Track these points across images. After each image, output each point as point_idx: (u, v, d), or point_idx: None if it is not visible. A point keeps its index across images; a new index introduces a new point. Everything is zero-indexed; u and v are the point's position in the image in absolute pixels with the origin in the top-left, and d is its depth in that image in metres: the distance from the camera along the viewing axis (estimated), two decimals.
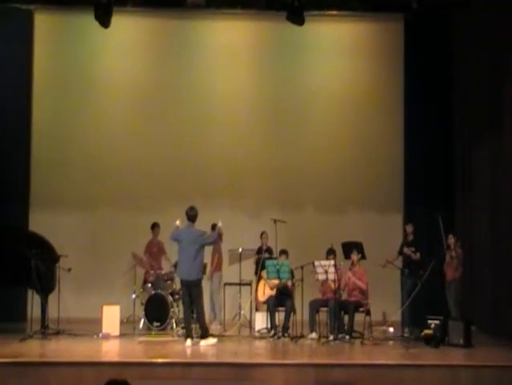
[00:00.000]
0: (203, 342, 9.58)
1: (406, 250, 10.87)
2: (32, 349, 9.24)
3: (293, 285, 10.58)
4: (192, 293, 9.74)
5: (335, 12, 12.74)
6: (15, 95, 12.71)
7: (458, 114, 12.48)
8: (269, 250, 11.51)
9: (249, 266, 11.54)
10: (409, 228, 11.15)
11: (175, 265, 11.53)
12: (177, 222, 9.95)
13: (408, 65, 13.03)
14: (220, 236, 10.58)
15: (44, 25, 13.12)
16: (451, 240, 10.64)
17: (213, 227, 10.96)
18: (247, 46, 13.35)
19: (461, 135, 12.37)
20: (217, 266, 11.84)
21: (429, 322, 9.83)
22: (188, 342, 9.49)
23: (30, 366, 8.04)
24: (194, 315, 9.94)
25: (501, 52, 10.25)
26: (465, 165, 12.16)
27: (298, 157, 13.06)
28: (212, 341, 9.64)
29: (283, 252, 10.76)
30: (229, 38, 13.29)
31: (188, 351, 9.18)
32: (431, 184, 12.49)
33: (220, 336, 10.12)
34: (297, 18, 11.37)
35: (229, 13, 12.95)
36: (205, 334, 9.69)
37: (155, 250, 11.98)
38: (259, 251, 11.60)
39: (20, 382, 7.31)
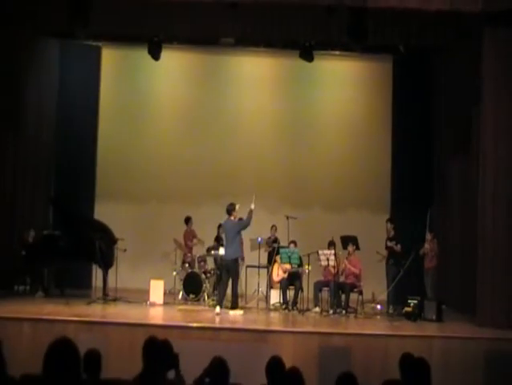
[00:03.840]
0: (232, 312, 9.54)
1: (389, 244, 10.81)
2: (96, 311, 9.37)
3: (302, 271, 10.55)
4: (229, 270, 9.74)
5: (338, 52, 12.67)
6: (86, 113, 12.80)
7: (436, 136, 12.42)
8: (276, 240, 11.50)
9: (265, 253, 11.58)
10: (389, 226, 10.96)
11: (208, 249, 11.65)
12: (252, 206, 9.87)
13: (395, 96, 12.96)
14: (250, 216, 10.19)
15: (109, 58, 13.18)
16: (428, 236, 10.64)
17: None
18: (267, 77, 13.32)
19: (438, 153, 12.31)
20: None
21: (409, 301, 9.80)
22: (218, 309, 9.43)
23: (95, 324, 8.19)
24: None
25: (471, 89, 10.24)
26: (440, 177, 12.11)
27: (307, 166, 13.03)
28: (239, 312, 9.61)
29: (292, 242, 10.77)
30: (253, 71, 13.29)
31: (218, 318, 9.14)
32: (413, 190, 12.38)
33: (242, 307, 10.09)
34: (308, 56, 11.30)
35: (254, 50, 12.93)
36: (235, 305, 9.67)
37: (189, 238, 12.01)
38: (273, 241, 11.57)
39: (87, 336, 7.31)
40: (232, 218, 9.95)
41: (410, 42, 10.19)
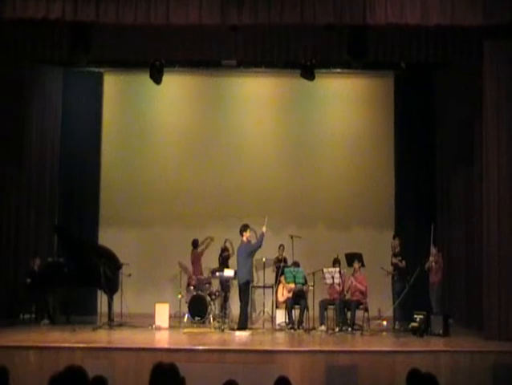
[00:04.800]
0: (238, 333, 9.60)
1: (394, 260, 10.84)
2: (102, 337, 9.37)
3: (307, 289, 10.59)
4: (240, 292, 9.81)
5: (339, 70, 12.74)
6: (88, 138, 12.92)
7: (439, 151, 12.46)
8: (284, 260, 11.52)
9: (271, 273, 11.60)
10: (395, 242, 11.07)
11: (212, 271, 11.68)
12: (263, 229, 9.96)
13: (397, 112, 13.05)
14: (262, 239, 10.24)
15: (111, 84, 13.34)
16: (433, 250, 10.66)
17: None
18: (269, 97, 13.41)
19: (441, 168, 12.33)
20: None
21: (415, 316, 9.81)
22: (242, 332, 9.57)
23: (101, 350, 8.16)
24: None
25: (473, 103, 10.30)
26: (443, 192, 12.12)
27: (311, 185, 13.06)
28: (246, 333, 9.64)
29: (295, 263, 10.84)
30: (255, 92, 13.40)
31: (223, 340, 9.15)
32: (416, 207, 12.46)
33: (249, 328, 10.08)
34: (309, 75, 11.36)
35: (256, 71, 13.02)
36: (243, 326, 9.71)
37: (196, 260, 12.07)
38: (277, 260, 11.61)
39: (93, 362, 7.35)
40: (244, 239, 9.99)
41: (411, 57, 10.27)
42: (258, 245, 9.99)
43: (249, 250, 9.91)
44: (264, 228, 9.93)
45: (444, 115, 12.25)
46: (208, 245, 12.18)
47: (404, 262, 10.67)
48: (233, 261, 11.37)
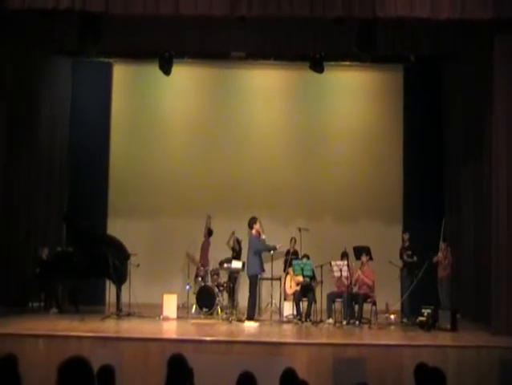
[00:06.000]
0: (247, 323, 9.67)
1: (406, 258, 10.86)
2: (110, 326, 9.40)
3: (314, 284, 10.60)
4: (249, 284, 9.88)
5: (348, 62, 12.68)
6: (98, 130, 13.01)
7: (448, 144, 12.40)
8: (295, 253, 11.53)
9: (279, 265, 11.61)
10: (406, 236, 11.12)
11: (220, 262, 11.69)
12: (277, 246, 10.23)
13: (406, 105, 13.00)
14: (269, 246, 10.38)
15: (120, 74, 13.37)
16: (442, 245, 10.63)
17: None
18: (278, 89, 13.40)
19: (450, 161, 12.27)
20: None
21: (423, 310, 9.76)
22: (251, 323, 9.68)
23: (109, 339, 8.17)
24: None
25: (484, 97, 10.22)
26: (453, 186, 12.08)
27: (319, 178, 13.06)
28: (254, 324, 9.69)
29: (305, 256, 10.84)
30: (264, 83, 13.38)
31: (231, 331, 9.16)
32: (425, 199, 12.43)
33: (256, 320, 10.10)
34: (318, 68, 11.38)
35: (264, 63, 12.99)
36: (250, 317, 9.76)
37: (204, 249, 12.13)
38: (287, 253, 11.62)
39: (101, 351, 7.35)
40: (253, 232, 10.01)
41: (420, 50, 10.20)
42: (260, 249, 10.06)
43: (256, 248, 9.94)
44: (278, 246, 10.26)
45: (453, 108, 12.18)
46: (207, 224, 12.15)
47: (415, 258, 10.71)
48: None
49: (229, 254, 11.96)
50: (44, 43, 10.14)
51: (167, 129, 13.38)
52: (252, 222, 10.03)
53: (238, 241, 11.98)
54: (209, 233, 12.11)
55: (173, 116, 13.44)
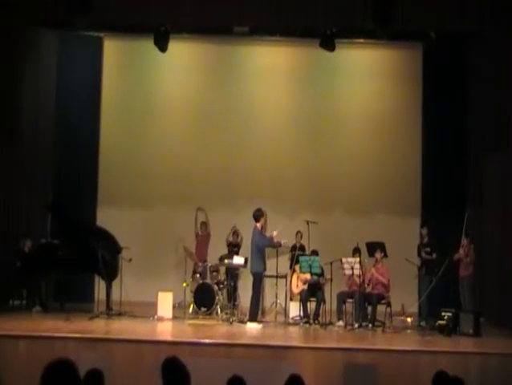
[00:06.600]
0: (249, 325, 9.68)
1: (424, 255, 10.84)
2: (99, 327, 9.39)
3: (323, 281, 10.58)
4: (253, 282, 9.90)
5: (362, 40, 12.66)
6: (87, 111, 12.94)
7: (472, 131, 12.31)
8: (302, 248, 11.50)
9: (284, 261, 11.57)
10: (424, 231, 11.14)
11: (220, 258, 11.67)
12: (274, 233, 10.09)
13: (425, 88, 12.96)
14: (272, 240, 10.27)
15: (112, 49, 13.32)
16: (464, 241, 10.60)
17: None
18: (285, 68, 13.35)
19: (474, 150, 12.19)
20: None
21: (443, 313, 9.75)
22: (253, 324, 9.67)
23: (98, 341, 8.19)
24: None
25: (509, 78, 10.15)
26: (476, 177, 12.01)
27: (329, 166, 13.03)
28: (256, 326, 9.70)
29: (314, 252, 10.81)
30: (269, 61, 13.33)
31: (231, 333, 9.18)
32: (446, 192, 12.41)
33: (259, 321, 10.09)
34: (329, 45, 11.35)
35: (270, 39, 12.96)
36: (253, 318, 9.76)
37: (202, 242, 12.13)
38: (293, 248, 11.58)
39: (89, 354, 7.32)
40: (258, 225, 10.00)
41: (442, 26, 10.11)
42: (264, 244, 10.04)
43: (258, 243, 9.93)
44: (275, 233, 10.04)
45: (478, 92, 12.11)
46: (198, 217, 12.15)
47: (434, 255, 10.69)
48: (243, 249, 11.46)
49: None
50: (28, 14, 10.06)
51: (162, 110, 13.34)
52: (259, 214, 10.01)
53: (237, 235, 11.95)
54: (204, 225, 12.05)
55: (169, 97, 13.39)
